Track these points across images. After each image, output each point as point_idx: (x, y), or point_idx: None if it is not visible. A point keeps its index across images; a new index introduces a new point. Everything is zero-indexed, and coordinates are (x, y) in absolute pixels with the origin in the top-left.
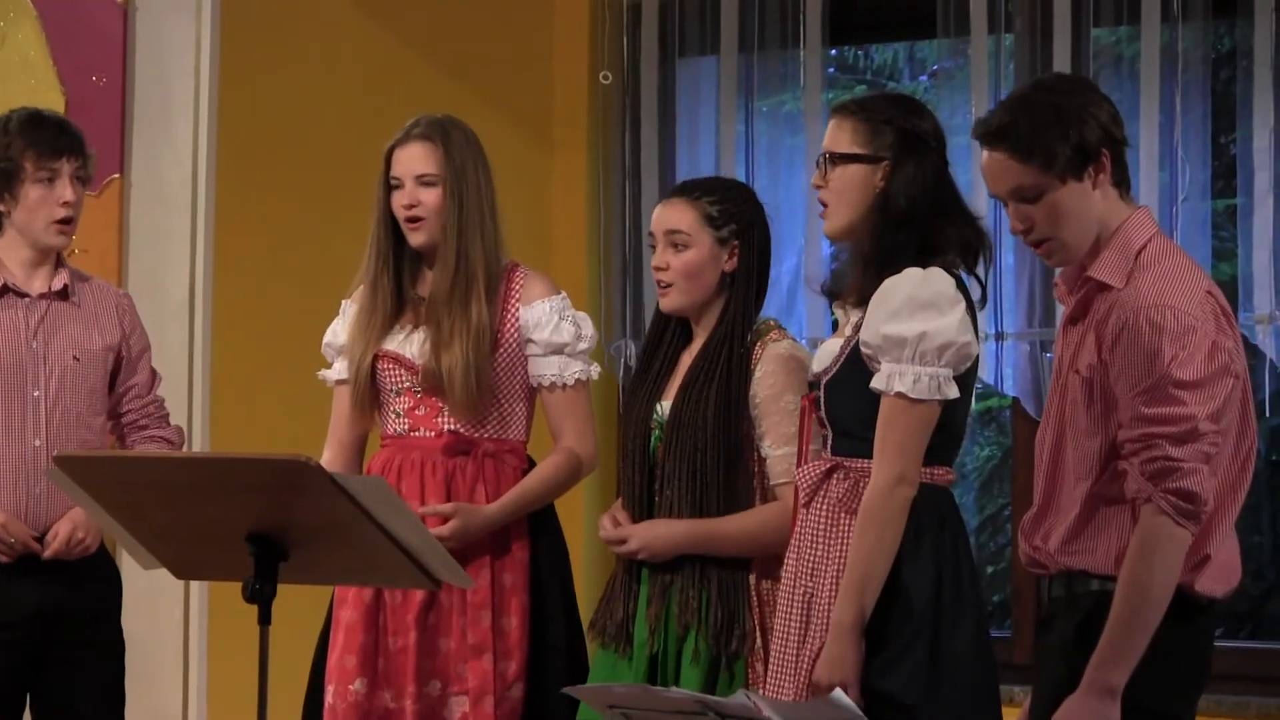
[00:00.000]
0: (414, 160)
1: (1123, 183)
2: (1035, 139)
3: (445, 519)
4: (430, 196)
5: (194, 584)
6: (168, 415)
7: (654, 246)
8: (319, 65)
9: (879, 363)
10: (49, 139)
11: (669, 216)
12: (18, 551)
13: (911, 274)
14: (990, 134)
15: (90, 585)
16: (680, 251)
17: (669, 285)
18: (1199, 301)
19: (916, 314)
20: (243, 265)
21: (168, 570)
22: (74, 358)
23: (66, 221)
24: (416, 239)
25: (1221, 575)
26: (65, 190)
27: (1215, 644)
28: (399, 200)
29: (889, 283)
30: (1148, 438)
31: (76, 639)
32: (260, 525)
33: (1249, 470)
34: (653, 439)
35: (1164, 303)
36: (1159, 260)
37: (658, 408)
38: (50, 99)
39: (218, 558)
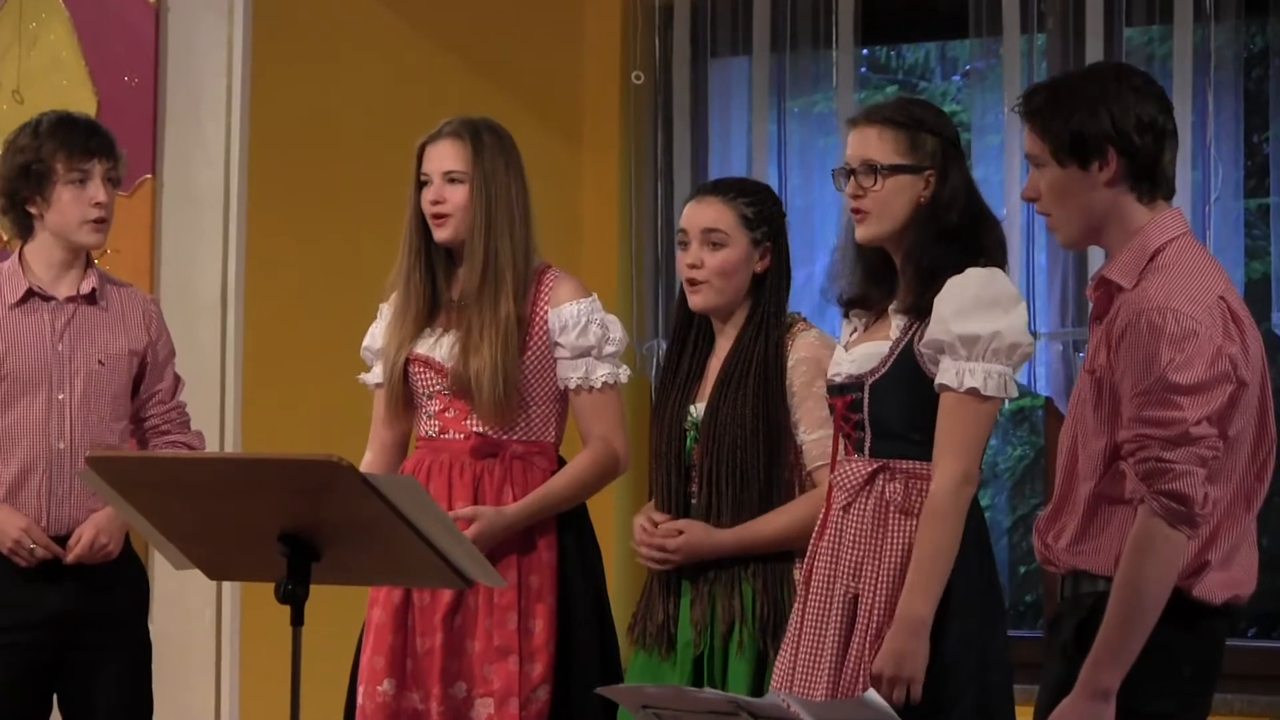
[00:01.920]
0: (443, 157)
1: (1141, 187)
2: (1043, 114)
3: (467, 523)
4: (456, 194)
5: (226, 584)
6: (189, 420)
7: (684, 244)
8: (350, 65)
9: (939, 361)
10: (80, 140)
11: (705, 215)
12: (39, 558)
13: (976, 273)
14: (1023, 97)
15: (113, 589)
16: (717, 250)
17: (702, 283)
18: (1207, 306)
19: (986, 312)
20: (274, 265)
21: (200, 571)
22: (99, 362)
23: (100, 221)
24: (440, 234)
25: (1225, 583)
26: (97, 191)
27: (1248, 645)
28: (426, 196)
29: (955, 282)
30: (1142, 439)
31: (99, 642)
32: (292, 525)
33: (1265, 478)
34: (688, 440)
35: (1167, 305)
36: (1173, 263)
37: (691, 410)
38: (82, 99)
39: (250, 558)
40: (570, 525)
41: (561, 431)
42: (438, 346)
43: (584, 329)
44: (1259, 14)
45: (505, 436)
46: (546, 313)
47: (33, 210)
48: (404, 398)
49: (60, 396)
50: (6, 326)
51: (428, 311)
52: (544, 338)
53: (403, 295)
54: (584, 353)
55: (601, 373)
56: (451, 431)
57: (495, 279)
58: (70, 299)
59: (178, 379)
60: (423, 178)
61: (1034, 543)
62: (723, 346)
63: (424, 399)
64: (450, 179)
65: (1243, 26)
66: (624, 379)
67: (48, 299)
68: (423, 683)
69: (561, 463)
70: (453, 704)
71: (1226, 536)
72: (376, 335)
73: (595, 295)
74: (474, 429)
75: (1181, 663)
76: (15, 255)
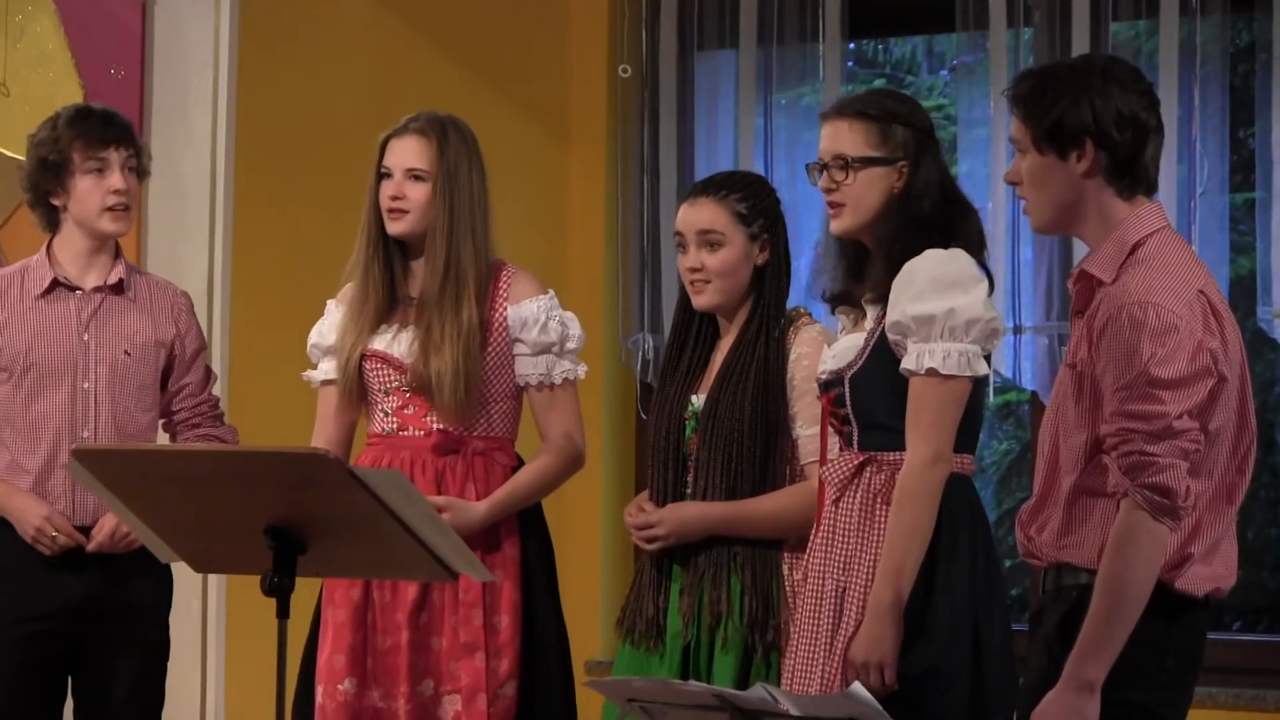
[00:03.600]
0: (406, 153)
1: (1120, 181)
2: (1028, 101)
3: (438, 511)
4: (417, 191)
5: (212, 577)
6: (222, 415)
7: (681, 246)
8: (336, 59)
9: (906, 345)
10: (96, 130)
11: (700, 216)
12: (61, 545)
13: (934, 254)
14: (1012, 83)
15: (135, 579)
16: (715, 250)
17: (705, 283)
18: (1187, 300)
19: (942, 292)
20: (260, 257)
21: (186, 563)
22: (125, 352)
23: (121, 209)
24: (395, 228)
25: (1207, 575)
26: (116, 179)
27: (1233, 638)
28: (386, 190)
29: (911, 265)
30: (1124, 433)
31: (119, 633)
32: (279, 518)
33: (1246, 472)
34: (686, 430)
35: (1148, 300)
36: (1154, 256)
37: (692, 400)
38: (68, 92)
39: (236, 551)
40: (532, 527)
41: (517, 426)
42: (396, 343)
43: (544, 326)
44: (1245, 9)
45: (466, 433)
46: (505, 310)
47: (56, 203)
48: (358, 393)
49: (85, 385)
50: (32, 317)
51: (386, 306)
52: (503, 335)
53: (360, 288)
54: (545, 349)
55: (561, 369)
56: (411, 428)
57: (457, 281)
58: (97, 289)
59: (209, 373)
60: (384, 171)
61: (1017, 536)
62: (727, 340)
63: (380, 395)
64: (412, 176)
65: (1229, 22)
66: (582, 375)
67: (74, 289)
68: (386, 681)
69: (519, 458)
70: (420, 701)
71: (1209, 530)
72: (324, 332)
73: (552, 292)
74: (435, 426)
75: (1164, 654)
76: (44, 248)
